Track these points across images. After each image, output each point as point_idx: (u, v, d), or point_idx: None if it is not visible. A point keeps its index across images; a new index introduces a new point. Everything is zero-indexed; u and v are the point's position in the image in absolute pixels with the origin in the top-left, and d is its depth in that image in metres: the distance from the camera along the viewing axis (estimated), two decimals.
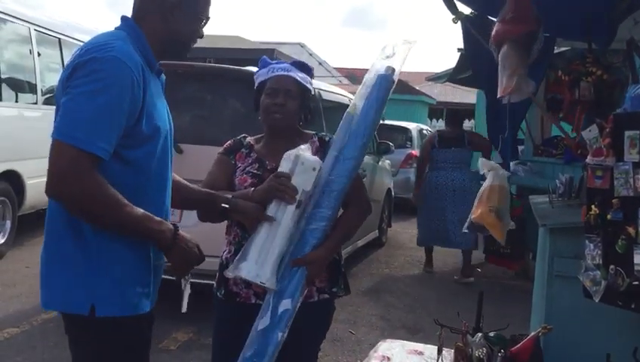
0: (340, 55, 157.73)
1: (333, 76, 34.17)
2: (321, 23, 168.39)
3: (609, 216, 2.54)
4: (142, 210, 1.94)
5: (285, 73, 2.67)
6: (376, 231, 8.68)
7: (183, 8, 2.07)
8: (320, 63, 33.29)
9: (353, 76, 41.58)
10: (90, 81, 1.85)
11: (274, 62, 2.77)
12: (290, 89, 2.65)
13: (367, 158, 8.03)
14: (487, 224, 4.22)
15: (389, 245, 9.22)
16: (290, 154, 2.43)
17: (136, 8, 2.10)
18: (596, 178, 2.60)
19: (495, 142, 4.76)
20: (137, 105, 1.92)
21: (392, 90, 2.62)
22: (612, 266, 2.54)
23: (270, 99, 2.64)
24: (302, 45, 31.72)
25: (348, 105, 7.88)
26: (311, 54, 32.08)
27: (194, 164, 5.19)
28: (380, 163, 8.61)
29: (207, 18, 2.18)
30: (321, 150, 2.64)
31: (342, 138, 2.54)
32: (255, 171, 2.65)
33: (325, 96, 6.75)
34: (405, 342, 3.57)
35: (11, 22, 7.45)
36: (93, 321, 1.95)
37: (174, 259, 2.08)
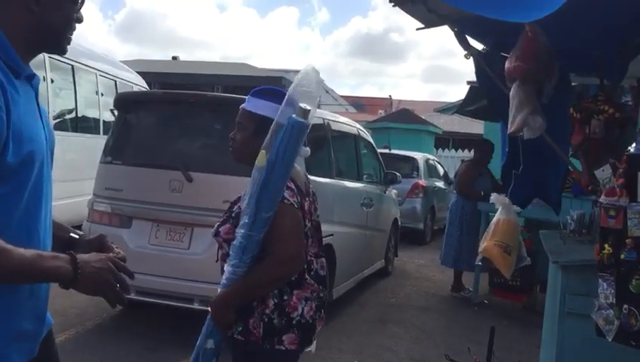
0: (348, 83, 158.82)
1: (339, 104, 34.38)
2: (332, 52, 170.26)
3: (622, 256, 2.55)
4: (31, 251, 1.62)
5: (242, 105, 2.63)
6: (383, 260, 8.66)
7: None
8: (327, 91, 33.52)
9: (359, 104, 41.82)
10: None
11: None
12: (239, 121, 2.60)
13: (374, 188, 8.07)
14: (492, 257, 4.25)
15: (395, 275, 9.18)
16: None
17: None
18: (609, 217, 2.61)
19: (507, 178, 4.73)
20: (1, 133, 1.56)
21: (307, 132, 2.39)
22: (625, 306, 2.54)
23: None
24: None
25: (355, 135, 7.91)
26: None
27: (204, 192, 5.25)
28: (386, 193, 8.62)
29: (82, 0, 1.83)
30: None
31: (250, 191, 2.40)
32: None
33: (333, 126, 6.79)
34: None
35: None
36: None
37: (86, 288, 1.70)
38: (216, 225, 2.60)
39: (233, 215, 2.54)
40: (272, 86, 2.71)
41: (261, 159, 2.34)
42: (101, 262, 1.72)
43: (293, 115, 2.32)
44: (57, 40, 1.79)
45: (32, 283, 1.72)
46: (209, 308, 2.49)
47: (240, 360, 2.56)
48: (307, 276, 2.52)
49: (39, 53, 1.82)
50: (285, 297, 2.46)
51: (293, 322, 2.46)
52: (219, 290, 2.47)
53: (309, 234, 2.57)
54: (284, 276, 2.44)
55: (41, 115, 1.79)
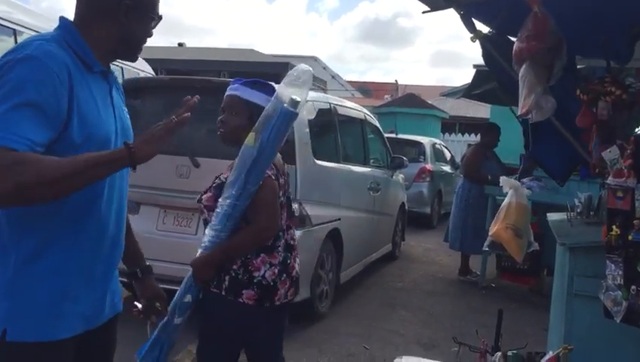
0: (355, 69, 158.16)
1: (346, 90, 34.31)
2: (339, 37, 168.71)
3: (630, 237, 2.55)
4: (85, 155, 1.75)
5: (230, 92, 2.88)
6: (390, 244, 8.68)
7: (136, 10, 1.96)
8: (333, 77, 33.41)
9: (366, 89, 41.69)
10: (2, 85, 1.69)
11: (235, 81, 2.95)
12: (231, 105, 2.85)
13: (381, 172, 8.06)
14: (504, 241, 4.22)
15: (402, 259, 9.20)
16: None
17: (80, 12, 1.96)
18: (617, 199, 2.60)
19: (545, 160, 4.70)
20: (63, 106, 1.75)
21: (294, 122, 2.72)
22: (633, 287, 2.54)
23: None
24: (315, 59, 31.80)
25: (362, 119, 7.89)
26: (324, 68, 32.15)
27: (211, 177, 5.23)
28: (393, 177, 8.62)
29: (159, 17, 2.06)
30: None
31: (240, 167, 2.67)
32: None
33: (340, 111, 6.79)
34: (422, 359, 3.57)
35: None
36: (3, 346, 1.76)
37: (148, 151, 1.83)
38: (200, 194, 2.91)
39: (214, 185, 2.84)
40: (258, 79, 2.97)
41: (251, 139, 2.64)
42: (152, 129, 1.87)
43: (285, 105, 2.62)
44: (134, 49, 2.05)
45: (96, 178, 1.80)
46: (190, 268, 2.79)
47: (205, 307, 2.85)
48: (278, 244, 2.81)
49: (115, 59, 2.07)
50: (249, 256, 2.75)
51: (254, 281, 2.74)
52: (199, 252, 2.78)
53: (283, 205, 2.86)
54: (261, 241, 2.75)
55: (113, 107, 2.01)
